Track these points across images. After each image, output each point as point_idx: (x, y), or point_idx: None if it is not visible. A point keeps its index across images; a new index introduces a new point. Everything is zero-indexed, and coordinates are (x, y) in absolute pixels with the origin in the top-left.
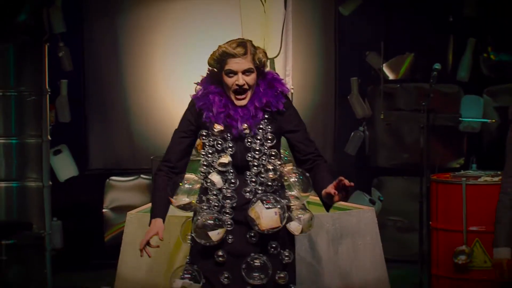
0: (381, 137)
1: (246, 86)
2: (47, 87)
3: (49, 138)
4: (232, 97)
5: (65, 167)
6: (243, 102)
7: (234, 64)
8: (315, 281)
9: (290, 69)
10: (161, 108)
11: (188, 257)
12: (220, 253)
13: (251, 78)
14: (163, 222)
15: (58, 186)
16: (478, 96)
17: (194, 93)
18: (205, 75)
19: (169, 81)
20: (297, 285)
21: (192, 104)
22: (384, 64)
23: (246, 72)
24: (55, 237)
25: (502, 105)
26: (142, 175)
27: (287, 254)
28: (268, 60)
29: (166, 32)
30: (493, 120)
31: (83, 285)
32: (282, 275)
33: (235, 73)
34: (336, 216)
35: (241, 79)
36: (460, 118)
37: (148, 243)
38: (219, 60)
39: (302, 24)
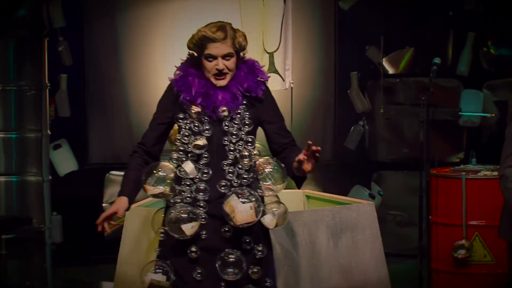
0: (381, 131)
1: (226, 70)
2: (46, 81)
3: (49, 132)
4: (212, 79)
5: (64, 161)
6: (223, 83)
7: (214, 49)
8: (314, 276)
9: (290, 64)
10: None
11: (158, 249)
12: (193, 248)
13: (231, 62)
14: (130, 202)
15: (58, 181)
16: (478, 90)
17: (173, 77)
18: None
19: (168, 75)
20: (296, 279)
21: (169, 88)
22: (384, 59)
23: (226, 56)
24: (55, 232)
25: (502, 99)
26: None
27: (260, 249)
28: (268, 55)
29: (166, 25)
30: (493, 114)
31: (83, 279)
32: (255, 270)
33: (215, 57)
34: (336, 211)
35: (221, 64)
36: (460, 113)
37: (108, 219)
38: (198, 44)
39: (301, 19)
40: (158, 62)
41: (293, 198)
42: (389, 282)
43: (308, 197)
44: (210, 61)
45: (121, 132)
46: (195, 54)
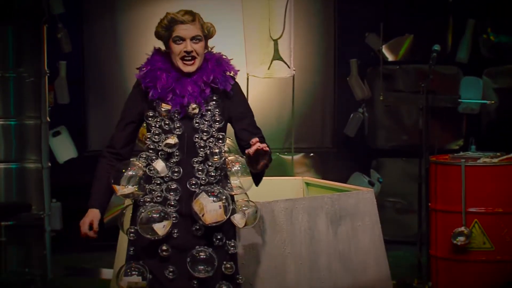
0: (380, 118)
1: (194, 54)
2: (46, 68)
3: (48, 119)
4: (180, 64)
5: (64, 148)
6: (191, 68)
7: (182, 30)
8: (314, 262)
9: (292, 51)
10: None
11: (131, 249)
12: (164, 247)
13: (199, 46)
14: (102, 212)
15: (57, 168)
16: (478, 77)
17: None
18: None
19: None
20: (295, 266)
21: (136, 85)
22: (383, 46)
23: (194, 39)
24: (54, 219)
25: (502, 86)
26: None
27: (232, 244)
28: (273, 42)
29: (167, 9)
30: (492, 102)
31: (82, 266)
32: (228, 265)
33: (183, 39)
34: (335, 198)
35: (189, 45)
36: (459, 100)
37: (87, 233)
38: (167, 27)
39: (301, 5)
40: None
41: (292, 185)
42: (389, 269)
43: (307, 184)
44: (179, 44)
45: None
46: (162, 49)
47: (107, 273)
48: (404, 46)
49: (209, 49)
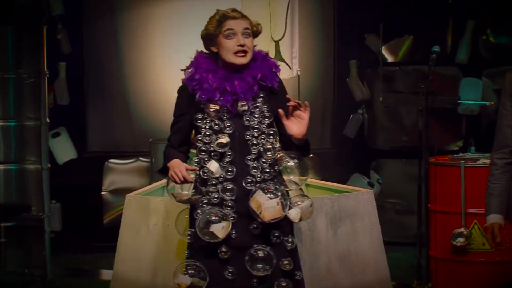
0: (380, 119)
1: (246, 48)
2: (45, 69)
3: (48, 120)
4: (232, 57)
5: (63, 149)
6: (244, 60)
7: (234, 23)
8: (314, 263)
9: (297, 52)
10: (160, 91)
11: (186, 252)
12: (223, 249)
13: (250, 40)
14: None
15: (57, 169)
16: (477, 78)
17: (184, 77)
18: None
19: (168, 63)
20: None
21: (182, 89)
22: (383, 47)
23: (245, 33)
24: (54, 220)
25: (501, 87)
26: (140, 158)
27: (290, 240)
28: (274, 43)
29: (166, 13)
30: (492, 103)
31: (82, 267)
32: (287, 262)
33: (235, 33)
34: (335, 199)
35: (241, 39)
36: (459, 101)
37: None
38: (218, 23)
39: (301, 7)
40: (157, 50)
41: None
42: (388, 270)
43: (307, 185)
44: (231, 38)
45: (120, 120)
46: (204, 51)
47: (106, 274)
48: (404, 47)
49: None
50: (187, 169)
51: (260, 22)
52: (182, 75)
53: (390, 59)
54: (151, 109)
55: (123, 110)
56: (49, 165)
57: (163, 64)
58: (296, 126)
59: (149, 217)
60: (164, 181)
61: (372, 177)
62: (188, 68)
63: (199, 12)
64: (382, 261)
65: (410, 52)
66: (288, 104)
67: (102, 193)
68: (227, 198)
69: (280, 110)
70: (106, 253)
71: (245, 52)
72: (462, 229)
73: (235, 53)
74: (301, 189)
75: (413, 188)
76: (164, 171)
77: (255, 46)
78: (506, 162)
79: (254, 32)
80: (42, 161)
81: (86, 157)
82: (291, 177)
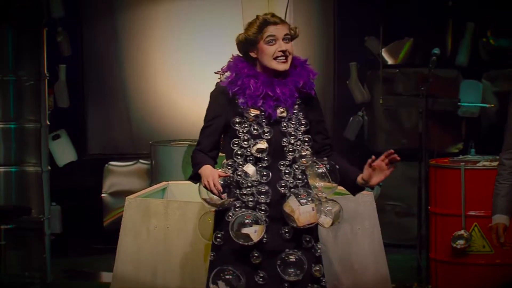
0: (380, 122)
1: (287, 53)
2: (45, 72)
3: (48, 123)
4: (273, 63)
5: (64, 152)
6: (286, 66)
7: (275, 29)
8: None
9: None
10: (160, 93)
11: (212, 254)
12: (255, 253)
13: (290, 46)
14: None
15: (57, 171)
16: (477, 81)
17: (220, 80)
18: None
19: (168, 65)
20: None
21: (218, 92)
22: (383, 49)
23: (285, 38)
24: (54, 222)
25: (501, 90)
26: (141, 160)
27: (320, 246)
28: None
29: (165, 15)
30: (492, 105)
31: (82, 269)
32: (317, 268)
33: (276, 39)
34: None
35: (283, 45)
36: (459, 103)
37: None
38: (259, 29)
39: (301, 10)
40: (157, 52)
41: None
42: (388, 272)
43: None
44: (272, 44)
45: (120, 123)
46: (240, 56)
47: (107, 277)
48: (404, 50)
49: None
50: (219, 176)
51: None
52: (181, 78)
53: (390, 61)
54: (151, 111)
55: (123, 113)
56: (49, 167)
57: (164, 66)
58: (377, 178)
59: (149, 219)
60: (164, 183)
61: None
62: (225, 71)
63: (200, 14)
64: (382, 263)
65: (410, 54)
66: (389, 157)
67: (102, 195)
68: (262, 200)
69: (371, 162)
70: (106, 255)
71: (286, 57)
72: (462, 232)
73: (276, 58)
74: (331, 196)
75: (413, 191)
76: (195, 178)
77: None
78: None
79: (292, 36)
80: (42, 163)
81: (86, 159)
82: (321, 183)
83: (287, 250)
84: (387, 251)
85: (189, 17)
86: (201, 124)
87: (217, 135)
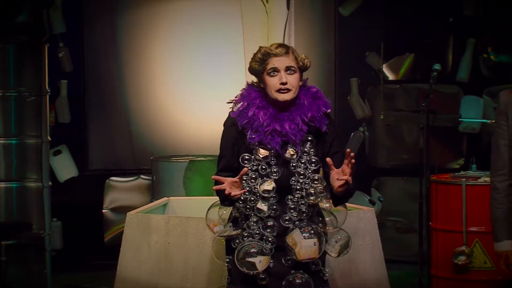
0: (381, 137)
1: (289, 85)
2: (47, 87)
3: (49, 138)
4: (275, 95)
5: (65, 167)
6: (287, 96)
7: (277, 61)
8: None
9: None
10: (161, 109)
11: (227, 277)
12: (262, 275)
13: (294, 78)
14: None
15: (58, 187)
16: (478, 96)
17: (232, 110)
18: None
19: (169, 81)
20: None
21: (230, 124)
22: (384, 65)
23: (289, 70)
24: (55, 238)
25: None
26: (142, 176)
27: (327, 270)
28: None
29: (166, 32)
30: (493, 121)
31: (83, 285)
32: None
33: (278, 71)
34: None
35: (284, 77)
36: (460, 119)
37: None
38: (261, 61)
39: (302, 25)
40: (158, 68)
41: None
42: None
43: None
44: (273, 76)
45: (121, 138)
46: (254, 82)
47: None
48: (405, 65)
49: (303, 82)
50: (240, 176)
51: (307, 57)
52: (182, 94)
53: (391, 77)
54: (152, 127)
55: (124, 128)
56: (50, 183)
57: (165, 82)
58: (338, 181)
59: (150, 235)
60: (165, 199)
61: (373, 195)
62: (238, 101)
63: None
64: (384, 279)
65: (411, 70)
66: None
67: (103, 211)
68: (268, 234)
69: (329, 160)
70: (106, 271)
71: (287, 89)
72: (463, 248)
73: (277, 90)
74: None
75: (414, 206)
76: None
77: (306, 79)
78: (507, 185)
79: (301, 67)
80: (43, 179)
81: (87, 175)
82: (328, 218)
83: (293, 271)
84: (388, 267)
85: (190, 35)
86: (202, 140)
87: (233, 169)
